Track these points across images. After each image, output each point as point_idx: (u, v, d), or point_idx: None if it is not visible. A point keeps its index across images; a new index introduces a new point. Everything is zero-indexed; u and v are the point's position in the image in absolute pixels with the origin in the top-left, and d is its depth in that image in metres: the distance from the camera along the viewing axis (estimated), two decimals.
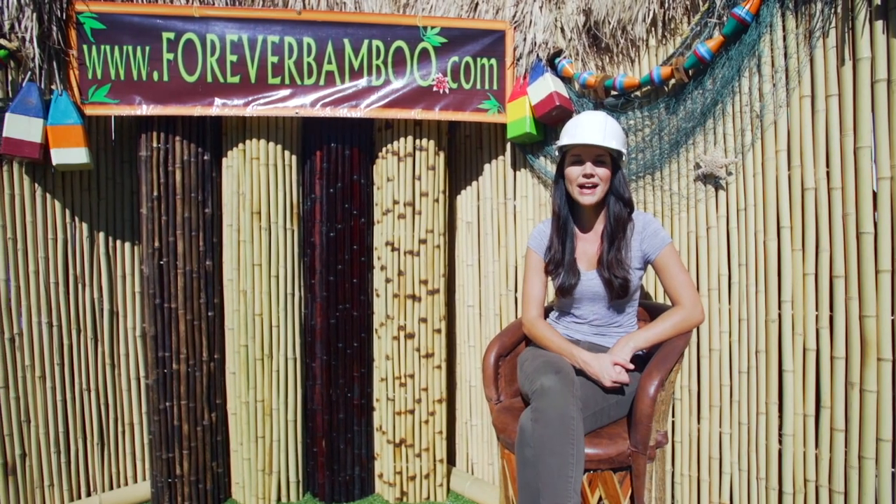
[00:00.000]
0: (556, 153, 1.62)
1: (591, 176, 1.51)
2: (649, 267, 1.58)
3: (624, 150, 1.54)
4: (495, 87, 2.13)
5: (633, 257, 1.53)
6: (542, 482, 1.24)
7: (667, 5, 1.76)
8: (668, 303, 1.79)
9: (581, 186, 1.53)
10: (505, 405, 1.63)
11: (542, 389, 1.30)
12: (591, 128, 1.51)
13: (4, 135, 1.82)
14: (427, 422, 2.23)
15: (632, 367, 1.43)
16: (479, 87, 2.12)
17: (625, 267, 1.50)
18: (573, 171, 1.55)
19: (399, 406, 2.22)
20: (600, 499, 1.39)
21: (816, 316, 1.50)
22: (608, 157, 1.53)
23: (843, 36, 1.41)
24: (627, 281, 1.50)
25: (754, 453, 1.64)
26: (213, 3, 2.12)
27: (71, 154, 1.91)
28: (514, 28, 2.10)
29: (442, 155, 2.23)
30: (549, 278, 1.66)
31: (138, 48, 1.97)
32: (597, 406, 1.41)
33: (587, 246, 1.60)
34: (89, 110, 1.96)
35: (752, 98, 1.59)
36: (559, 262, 1.58)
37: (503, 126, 2.19)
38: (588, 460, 1.33)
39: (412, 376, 2.22)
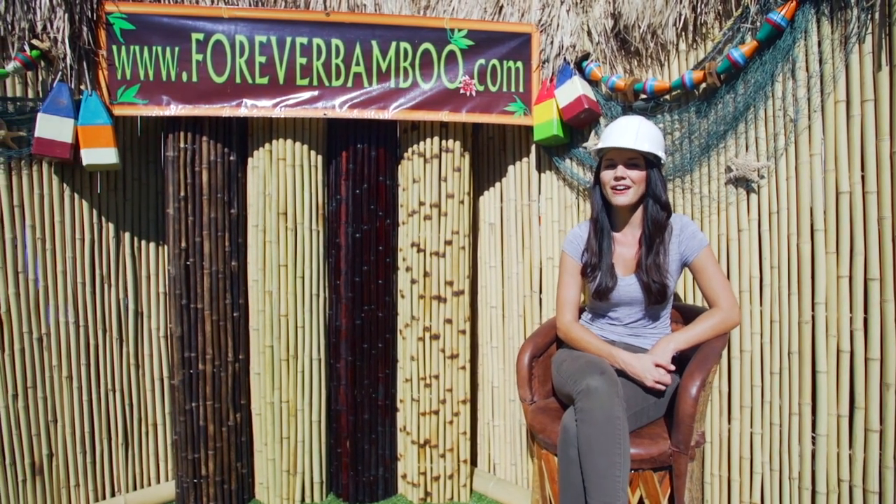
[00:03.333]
0: (588, 156, 1.63)
1: (622, 179, 1.54)
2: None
3: (661, 154, 1.55)
4: (521, 90, 2.14)
5: (671, 260, 1.55)
6: (589, 482, 1.26)
7: (698, 10, 1.77)
8: (699, 304, 1.82)
9: (613, 188, 1.56)
10: (540, 406, 1.64)
11: (587, 390, 1.31)
12: (623, 132, 1.54)
13: (36, 135, 1.82)
14: (451, 422, 2.24)
15: (673, 367, 1.44)
16: (505, 89, 2.13)
17: (663, 272, 1.51)
18: (606, 175, 1.58)
19: (424, 407, 2.23)
20: (641, 498, 1.40)
21: (851, 318, 1.52)
22: (642, 160, 1.55)
23: (880, 41, 1.43)
24: (665, 286, 1.51)
25: (786, 453, 1.65)
26: (239, 5, 2.12)
27: (101, 154, 1.91)
28: (541, 31, 2.11)
29: (467, 156, 2.24)
30: (586, 281, 1.67)
31: (167, 49, 1.97)
32: (637, 406, 1.42)
33: (624, 250, 1.61)
34: (118, 110, 1.96)
35: (786, 103, 1.61)
36: (596, 265, 1.59)
37: (527, 128, 2.20)
38: (631, 460, 1.34)
39: (437, 377, 2.22)
